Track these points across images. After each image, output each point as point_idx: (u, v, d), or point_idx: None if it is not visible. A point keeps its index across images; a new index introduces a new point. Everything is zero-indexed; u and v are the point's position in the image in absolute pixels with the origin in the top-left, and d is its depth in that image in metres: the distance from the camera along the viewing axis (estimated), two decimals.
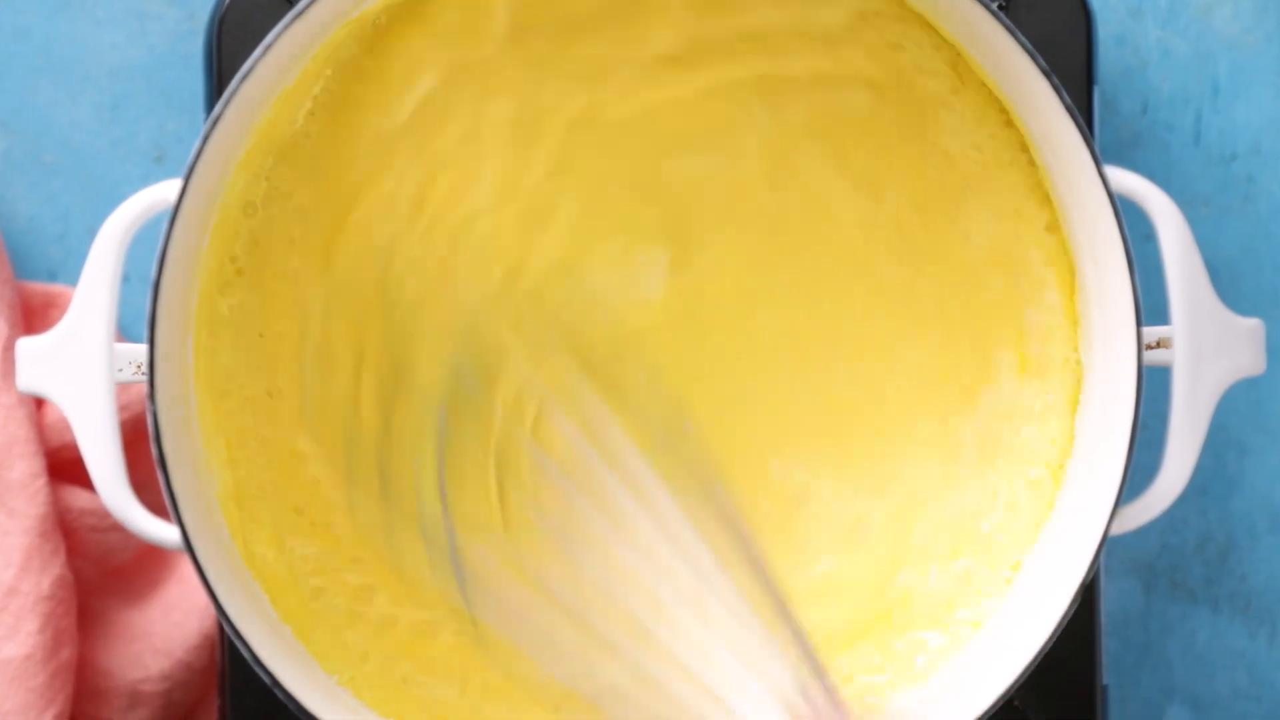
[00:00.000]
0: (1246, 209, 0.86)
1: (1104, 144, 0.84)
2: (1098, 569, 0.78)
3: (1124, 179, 0.75)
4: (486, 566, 0.76)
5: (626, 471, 0.75)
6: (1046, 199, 0.76)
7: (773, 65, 0.76)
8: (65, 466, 0.83)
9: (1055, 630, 0.73)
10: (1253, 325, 0.75)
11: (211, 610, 0.82)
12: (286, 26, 0.72)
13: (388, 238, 0.77)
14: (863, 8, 0.76)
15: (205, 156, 0.72)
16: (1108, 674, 0.82)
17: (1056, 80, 0.73)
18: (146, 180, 0.85)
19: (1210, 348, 0.75)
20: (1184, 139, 0.86)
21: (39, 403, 0.83)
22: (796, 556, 0.77)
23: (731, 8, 0.76)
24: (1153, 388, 0.79)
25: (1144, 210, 0.75)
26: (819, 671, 0.73)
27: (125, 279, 0.84)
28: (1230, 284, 0.86)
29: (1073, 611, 0.73)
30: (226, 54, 0.78)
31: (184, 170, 0.72)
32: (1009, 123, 0.76)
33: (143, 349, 0.73)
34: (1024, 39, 0.73)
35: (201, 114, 0.80)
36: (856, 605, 0.78)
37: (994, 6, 0.73)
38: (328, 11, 0.74)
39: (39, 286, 0.84)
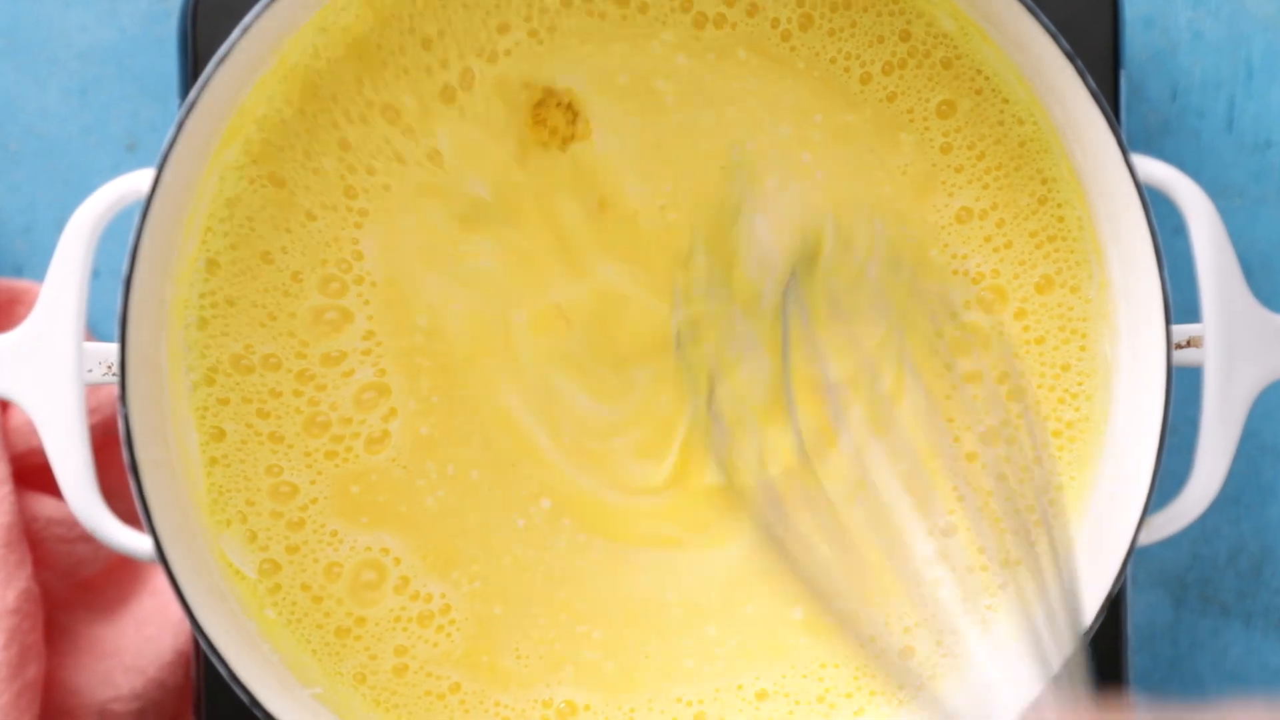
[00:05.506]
0: None
1: (1131, 131, 0.84)
2: (1125, 580, 0.78)
3: (1152, 168, 0.75)
4: None
5: None
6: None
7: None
8: (31, 473, 0.83)
9: (1079, 644, 0.73)
10: None
11: (186, 625, 0.82)
12: (266, 7, 0.72)
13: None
14: None
15: (180, 145, 0.72)
16: (1135, 690, 0.82)
17: (1081, 64, 0.73)
18: (118, 170, 0.85)
19: (1244, 347, 0.75)
20: (1216, 126, 0.86)
21: (3, 405, 0.83)
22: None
23: None
24: (1183, 389, 0.79)
25: (1173, 202, 0.75)
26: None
27: (95, 274, 0.84)
28: (1265, 280, 0.86)
29: (1099, 624, 0.73)
30: (202, 36, 0.78)
31: (157, 159, 0.72)
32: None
33: (114, 348, 0.73)
34: (1047, 20, 0.73)
35: (176, 100, 0.80)
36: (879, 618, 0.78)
37: None
38: None
39: (3, 282, 0.84)
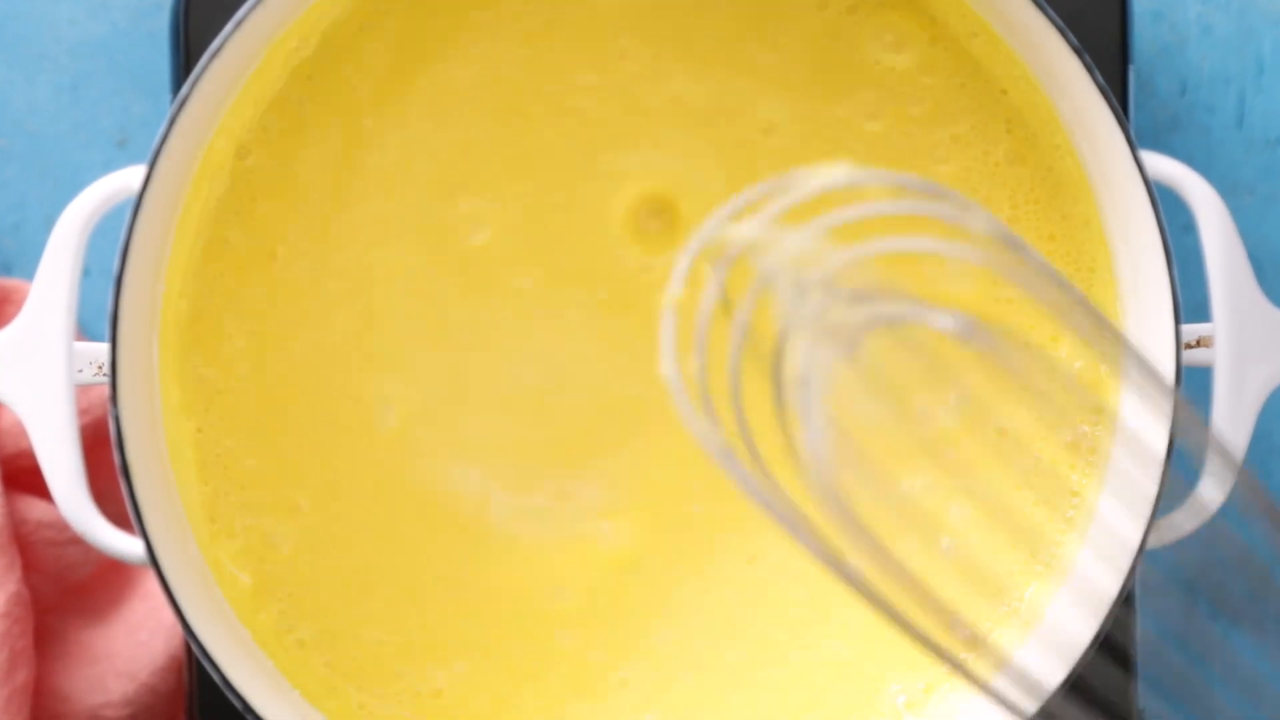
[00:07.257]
0: None
1: (1140, 127, 0.84)
2: (1133, 586, 0.78)
3: (1161, 165, 0.75)
4: None
5: None
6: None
7: None
8: (21, 475, 0.83)
9: (1087, 652, 0.73)
10: None
11: (178, 629, 0.82)
12: (259, 2, 0.72)
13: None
14: None
15: (171, 141, 0.72)
16: (1143, 699, 0.82)
17: (1088, 59, 0.73)
18: (108, 166, 0.85)
19: (1254, 347, 0.75)
20: (1226, 122, 0.86)
21: None
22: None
23: None
24: (1192, 390, 0.79)
25: (1183, 199, 0.75)
26: None
27: (86, 273, 0.84)
28: (1276, 278, 0.85)
29: (1106, 632, 0.73)
30: (195, 30, 0.78)
31: (149, 156, 0.72)
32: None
33: (104, 348, 0.73)
34: (1053, 14, 0.73)
35: (168, 95, 0.80)
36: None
37: None
38: None
39: None
